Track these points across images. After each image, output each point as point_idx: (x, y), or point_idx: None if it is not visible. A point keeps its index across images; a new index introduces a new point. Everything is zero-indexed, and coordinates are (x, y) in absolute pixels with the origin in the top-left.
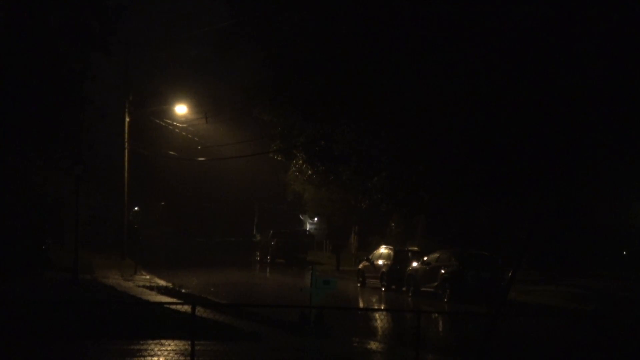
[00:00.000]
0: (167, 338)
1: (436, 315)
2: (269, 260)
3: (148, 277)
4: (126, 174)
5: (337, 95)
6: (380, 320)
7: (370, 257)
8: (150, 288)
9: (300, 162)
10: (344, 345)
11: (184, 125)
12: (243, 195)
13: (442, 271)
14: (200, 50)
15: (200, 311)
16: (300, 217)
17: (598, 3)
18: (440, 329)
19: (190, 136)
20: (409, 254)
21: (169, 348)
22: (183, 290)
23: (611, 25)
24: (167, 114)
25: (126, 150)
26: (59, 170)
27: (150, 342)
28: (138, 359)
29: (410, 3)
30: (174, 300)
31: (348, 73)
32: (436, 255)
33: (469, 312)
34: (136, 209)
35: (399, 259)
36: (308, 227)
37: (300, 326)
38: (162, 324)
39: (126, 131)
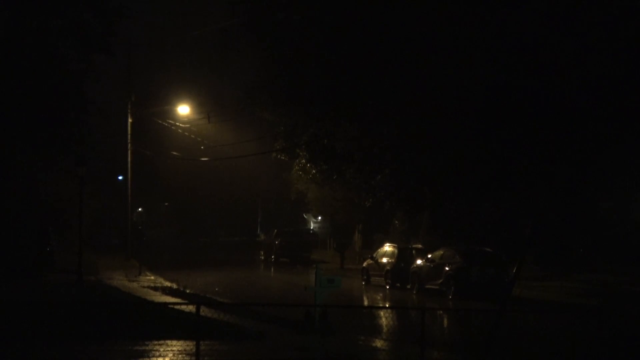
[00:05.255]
0: (172, 338)
1: (441, 312)
2: (273, 260)
3: (152, 277)
4: (129, 175)
5: (339, 93)
6: (385, 318)
7: (374, 255)
8: (155, 289)
9: (304, 161)
10: (349, 344)
11: (187, 125)
12: (246, 194)
13: (447, 268)
14: (203, 50)
15: (204, 311)
16: (304, 216)
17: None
18: (445, 326)
19: (193, 136)
20: (413, 252)
21: (174, 348)
22: (187, 291)
23: (611, 22)
24: (170, 114)
25: (129, 151)
26: (62, 171)
27: (155, 342)
28: None
29: (417, 4)
30: (179, 300)
31: (351, 71)
32: (440, 252)
33: (474, 309)
34: (140, 209)
35: (403, 257)
36: (312, 226)
37: (305, 325)
38: (167, 324)
39: (129, 132)
